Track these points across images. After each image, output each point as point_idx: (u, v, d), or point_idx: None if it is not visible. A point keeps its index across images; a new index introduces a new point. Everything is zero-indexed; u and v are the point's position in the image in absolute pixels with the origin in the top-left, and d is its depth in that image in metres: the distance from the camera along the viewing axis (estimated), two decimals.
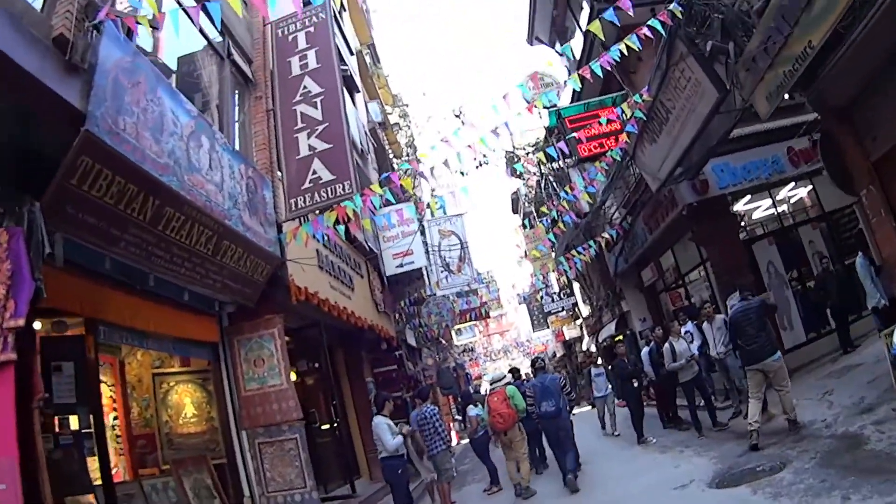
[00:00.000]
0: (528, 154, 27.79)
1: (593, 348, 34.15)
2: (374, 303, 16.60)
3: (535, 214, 35.28)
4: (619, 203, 19.78)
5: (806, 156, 14.45)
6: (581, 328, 38.00)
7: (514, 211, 42.54)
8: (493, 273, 39.55)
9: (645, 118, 12.85)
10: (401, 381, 17.85)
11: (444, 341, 34.96)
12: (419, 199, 23.45)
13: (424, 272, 21.48)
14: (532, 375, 14.04)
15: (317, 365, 13.66)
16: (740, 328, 9.91)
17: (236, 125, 11.57)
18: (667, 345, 12.10)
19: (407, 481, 10.36)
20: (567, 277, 28.37)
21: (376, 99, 26.31)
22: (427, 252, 21.87)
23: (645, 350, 14.59)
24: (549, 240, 27.20)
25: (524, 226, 36.48)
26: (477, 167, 26.22)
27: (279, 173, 11.21)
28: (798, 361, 13.51)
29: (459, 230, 23.67)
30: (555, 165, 26.07)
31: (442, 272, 22.77)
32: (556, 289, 36.34)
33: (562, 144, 15.00)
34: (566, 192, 16.90)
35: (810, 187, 15.60)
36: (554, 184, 27.19)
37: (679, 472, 9.51)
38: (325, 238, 12.32)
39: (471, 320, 30.24)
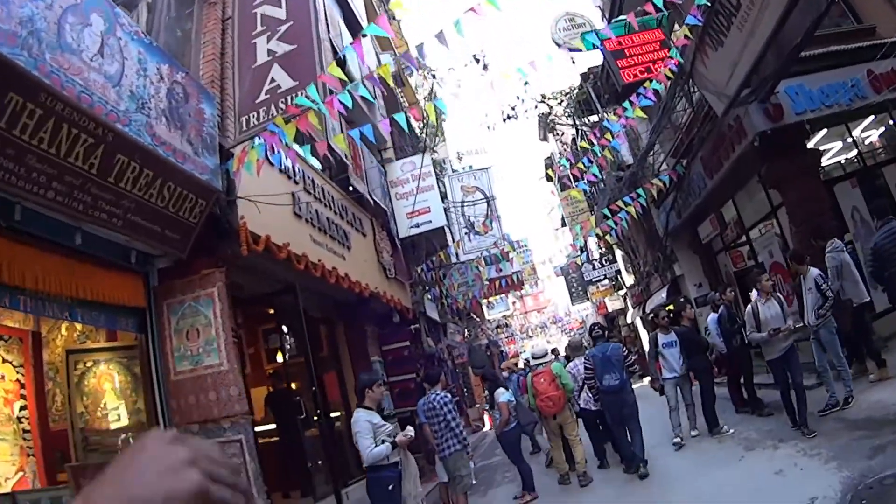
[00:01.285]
0: (560, 103, 24.84)
1: (637, 321, 31.45)
2: (382, 267, 14.09)
3: (570, 177, 32.63)
4: (667, 150, 17.03)
5: (889, 80, 12.17)
6: (624, 299, 35.35)
7: (549, 179, 39.49)
8: (526, 241, 36.32)
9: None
10: (416, 360, 15.20)
11: (474, 316, 32.37)
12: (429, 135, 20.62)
13: (447, 234, 18.89)
14: (570, 354, 12.32)
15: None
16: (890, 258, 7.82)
17: (178, 33, 9.15)
18: (749, 308, 9.10)
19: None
20: (609, 241, 25.46)
21: (389, 51, 23.58)
22: (447, 210, 19.17)
23: (712, 317, 12.13)
24: (589, 199, 24.35)
25: (561, 187, 33.57)
26: (505, 120, 23.65)
27: (233, 93, 8.62)
28: (892, 327, 11.23)
29: (485, 185, 20.88)
30: (591, 119, 23.51)
31: (465, 232, 19.91)
32: (597, 256, 33.48)
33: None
34: (608, 140, 14.14)
35: (892, 122, 13.38)
36: (590, 135, 24.58)
37: (788, 483, 6.69)
38: (304, 176, 9.86)
39: (502, 291, 26.97)
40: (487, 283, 22.92)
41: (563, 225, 38.81)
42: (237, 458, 6.83)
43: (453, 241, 19.04)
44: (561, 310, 68.30)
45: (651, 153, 17.72)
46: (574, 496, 9.69)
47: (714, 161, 14.23)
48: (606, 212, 16.81)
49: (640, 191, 15.80)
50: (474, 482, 9.65)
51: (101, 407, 7.81)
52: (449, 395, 9.02)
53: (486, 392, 11.10)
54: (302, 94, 7.32)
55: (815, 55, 12.11)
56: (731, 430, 10.18)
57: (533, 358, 11.22)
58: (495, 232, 20.38)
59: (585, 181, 15.75)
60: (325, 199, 11.20)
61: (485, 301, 32.24)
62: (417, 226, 16.47)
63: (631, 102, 12.43)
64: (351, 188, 13.03)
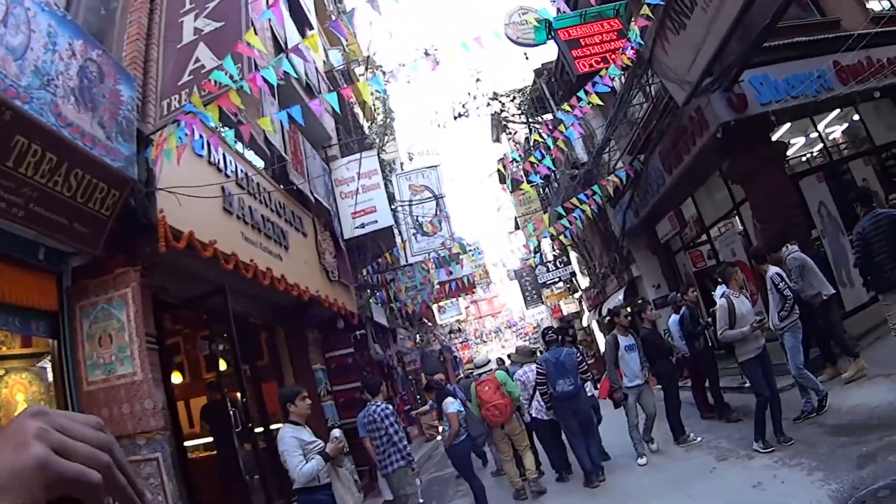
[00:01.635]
0: (513, 100, 24.38)
1: (594, 324, 31.12)
2: (324, 269, 13.46)
3: (523, 174, 32.17)
4: (624, 147, 16.67)
5: (855, 71, 12.01)
6: (580, 302, 34.99)
7: (502, 180, 38.96)
8: (478, 244, 35.69)
9: None
10: (362, 368, 14.61)
11: (426, 321, 31.78)
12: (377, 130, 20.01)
13: (395, 235, 18.33)
14: (511, 362, 12.25)
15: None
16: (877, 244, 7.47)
17: (102, 11, 8.44)
18: (723, 303, 8.49)
19: None
20: (564, 242, 24.98)
21: (338, 47, 22.98)
22: (395, 211, 18.56)
23: (674, 318, 11.73)
24: (542, 199, 23.96)
25: (513, 186, 33.17)
26: (456, 118, 23.09)
27: (156, 75, 7.97)
28: (863, 325, 10.90)
29: (434, 184, 20.27)
30: (545, 117, 23.14)
31: (413, 233, 19.27)
32: (551, 258, 33.06)
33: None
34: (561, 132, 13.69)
35: (857, 117, 13.46)
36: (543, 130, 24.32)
37: (769, 498, 6.15)
38: (236, 169, 9.29)
39: (453, 294, 26.24)
40: (437, 286, 22.37)
41: (517, 227, 38.45)
42: (154, 479, 6.19)
43: (400, 242, 18.41)
44: (515, 314, 67.88)
45: (607, 150, 17.31)
46: None
47: (673, 156, 13.86)
48: (561, 210, 16.33)
49: (595, 188, 15.38)
50: (421, 501, 9.09)
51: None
52: (391, 407, 8.41)
53: (433, 403, 10.44)
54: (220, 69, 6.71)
55: (779, 45, 11.94)
56: (699, 439, 9.72)
57: (475, 367, 10.86)
58: (444, 232, 19.74)
59: (538, 174, 15.19)
60: (259, 195, 10.59)
61: (436, 305, 31.70)
62: (363, 226, 15.85)
63: (586, 91, 12.00)
64: (291, 185, 12.38)
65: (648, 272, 19.37)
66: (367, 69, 24.36)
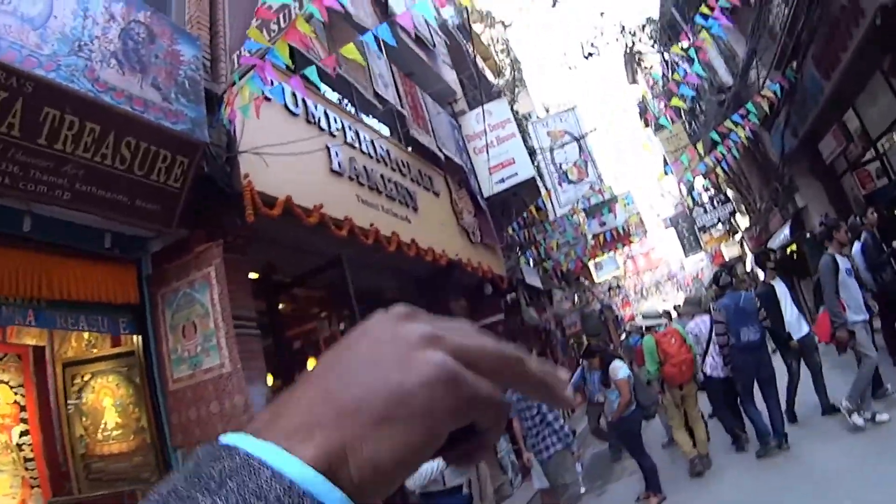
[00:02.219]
0: (643, 28, 22.41)
1: (757, 270, 28.82)
2: (464, 231, 12.37)
3: (666, 111, 30.18)
4: (770, 61, 14.62)
5: None
6: (742, 244, 32.60)
7: (645, 124, 36.70)
8: (630, 195, 33.53)
9: None
10: (515, 336, 13.40)
11: (583, 279, 30.28)
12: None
13: (540, 187, 16.99)
14: (679, 315, 10.89)
15: None
16: None
17: None
18: None
19: None
20: (719, 175, 22.88)
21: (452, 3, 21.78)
22: (536, 162, 17.14)
23: (856, 246, 9.38)
24: (690, 134, 22.05)
25: (656, 129, 31.04)
26: (586, 57, 21.43)
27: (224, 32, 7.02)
28: None
29: (573, 128, 18.59)
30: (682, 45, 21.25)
31: (558, 182, 17.74)
32: (706, 199, 30.86)
33: None
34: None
35: None
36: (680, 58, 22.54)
37: None
38: (344, 127, 8.21)
39: (609, 246, 24.22)
40: (592, 239, 20.75)
41: (667, 172, 36.25)
42: None
43: (545, 193, 16.91)
44: (674, 265, 65.11)
45: (753, 64, 15.28)
46: (712, 490, 7.68)
47: (829, 56, 11.89)
48: (715, 135, 14.52)
49: (749, 106, 13.48)
50: (583, 491, 7.81)
51: (102, 427, 6.49)
52: None
53: (597, 369, 8.99)
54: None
55: None
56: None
57: (645, 318, 9.66)
58: (591, 177, 18.10)
59: (688, 85, 13.24)
60: (376, 153, 9.56)
61: (592, 262, 30.04)
62: (503, 181, 14.59)
63: None
64: (411, 143, 11.36)
65: (814, 201, 17.22)
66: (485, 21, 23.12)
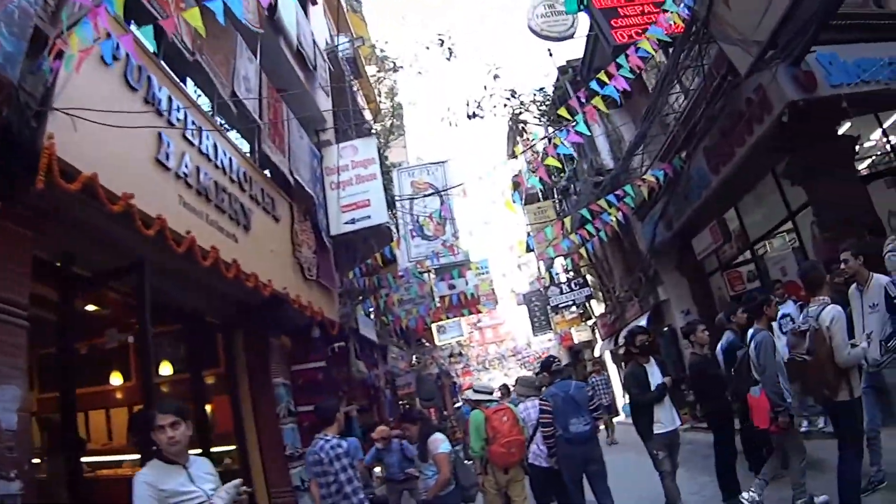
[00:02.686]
0: (533, 100, 22.40)
1: (607, 355, 29.10)
2: (299, 265, 11.44)
3: (539, 192, 30.28)
4: (660, 147, 14.69)
5: None
6: (593, 330, 32.82)
7: (515, 187, 36.70)
8: (487, 263, 33.36)
9: None
10: (337, 387, 12.60)
11: (424, 341, 29.74)
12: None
13: (394, 236, 16.33)
14: (532, 387, 9.50)
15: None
16: None
17: None
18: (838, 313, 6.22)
19: None
20: (582, 256, 22.85)
21: (346, 33, 21.19)
22: (395, 210, 16.50)
23: (724, 341, 9.09)
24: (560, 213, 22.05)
25: (526, 202, 31.09)
26: (470, 117, 21.07)
27: None
28: None
29: (440, 182, 18.14)
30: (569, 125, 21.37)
31: (413, 236, 17.10)
32: (564, 279, 31.04)
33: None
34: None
35: None
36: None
37: None
38: (186, 118, 7.41)
39: (454, 310, 23.27)
40: (438, 300, 20.14)
41: (529, 249, 36.42)
42: None
43: (396, 241, 16.20)
44: (521, 341, 65.65)
45: (640, 148, 15.29)
46: None
47: (723, 150, 11.95)
48: (586, 213, 14.34)
49: (628, 188, 13.38)
50: None
51: None
52: (345, 444, 6.21)
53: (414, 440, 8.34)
54: None
55: (848, 24, 10.45)
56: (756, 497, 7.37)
57: (475, 392, 9.14)
58: (448, 236, 17.61)
59: (568, 147, 12.86)
60: (216, 157, 8.60)
61: (435, 324, 29.56)
62: (353, 221, 13.81)
63: (626, 56, 10.14)
64: (260, 158, 10.55)
65: (677, 296, 17.49)
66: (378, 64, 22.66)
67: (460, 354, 43.12)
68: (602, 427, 15.75)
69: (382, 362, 18.16)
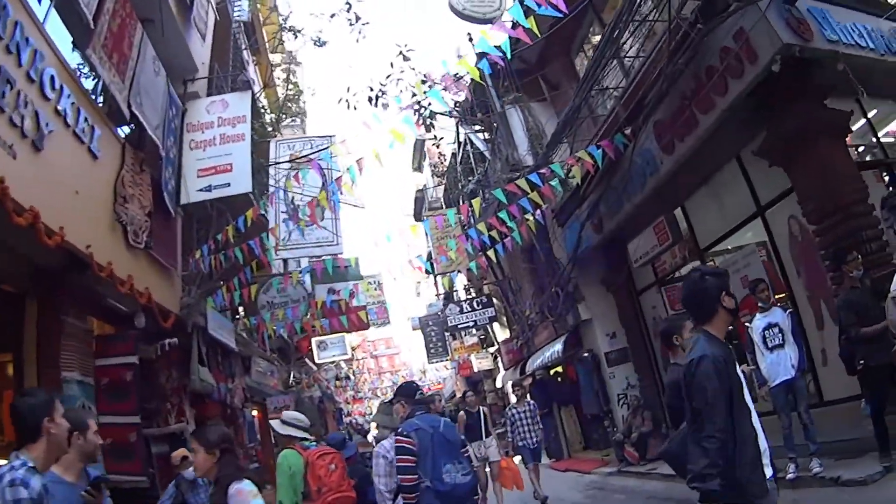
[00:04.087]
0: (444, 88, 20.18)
1: (509, 387, 26.95)
2: (121, 225, 8.97)
3: (442, 204, 28.29)
4: (594, 135, 12.71)
5: None
6: (495, 358, 30.99)
7: (418, 216, 34.43)
8: (379, 279, 30.62)
9: None
10: (157, 395, 10.06)
11: (308, 361, 27.13)
12: None
13: (273, 223, 14.17)
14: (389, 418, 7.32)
15: None
16: None
17: None
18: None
19: None
20: (486, 277, 20.77)
21: None
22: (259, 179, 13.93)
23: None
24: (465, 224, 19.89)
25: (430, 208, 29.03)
26: (372, 100, 18.62)
27: None
28: None
29: (326, 163, 15.29)
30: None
31: (285, 220, 14.30)
32: (464, 296, 29.32)
33: None
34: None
35: None
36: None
37: None
38: None
39: (333, 315, 19.96)
40: (319, 308, 17.36)
41: (429, 272, 34.27)
42: None
43: (268, 229, 13.43)
44: (416, 369, 63.50)
45: (567, 133, 13.18)
46: None
47: (682, 122, 10.03)
48: (505, 216, 12.13)
49: (555, 167, 11.17)
50: None
51: None
52: (33, 482, 3.65)
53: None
54: None
55: None
56: None
57: (284, 425, 7.32)
58: (329, 227, 14.90)
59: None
60: (3, 31, 6.30)
61: (315, 339, 26.89)
62: (209, 188, 11.57)
63: None
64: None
65: (602, 315, 15.75)
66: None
67: (347, 378, 40.50)
68: (531, 478, 13.21)
69: (244, 375, 15.44)
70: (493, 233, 12.61)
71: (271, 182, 14.64)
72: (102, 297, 8.70)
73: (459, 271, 20.08)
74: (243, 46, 17.01)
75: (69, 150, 7.71)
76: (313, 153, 14.27)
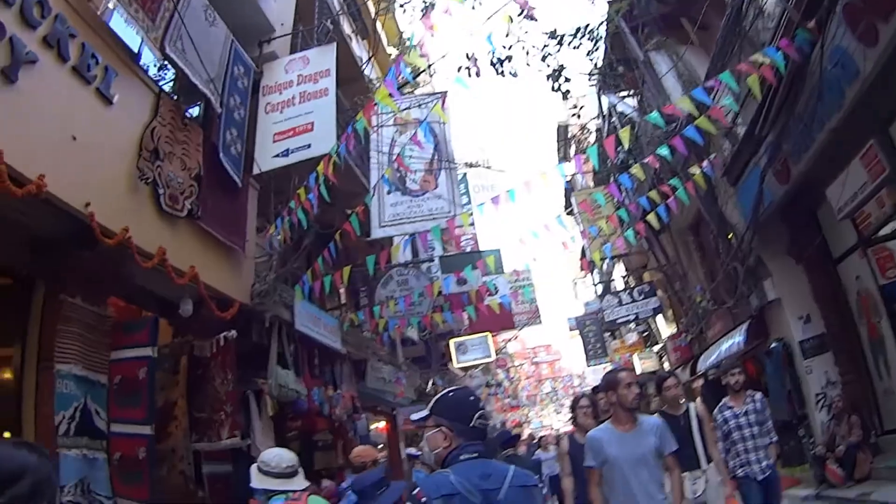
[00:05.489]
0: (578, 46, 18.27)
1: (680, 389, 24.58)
2: (145, 181, 7.51)
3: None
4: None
5: None
6: (660, 358, 28.49)
7: (568, 206, 32.34)
8: (529, 276, 28.67)
9: None
10: (207, 402, 8.55)
11: (449, 367, 25.80)
12: None
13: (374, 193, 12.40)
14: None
15: None
16: None
17: None
18: None
19: None
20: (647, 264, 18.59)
21: None
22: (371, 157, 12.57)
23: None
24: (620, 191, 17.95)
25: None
26: (495, 65, 16.83)
27: None
28: None
29: (439, 131, 13.78)
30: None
31: (389, 188, 12.50)
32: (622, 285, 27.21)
33: None
34: None
35: None
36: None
37: None
38: None
39: (473, 321, 17.41)
40: (443, 299, 15.53)
41: (586, 266, 32.38)
42: None
43: (371, 197, 11.65)
44: (575, 374, 61.73)
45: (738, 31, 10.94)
46: None
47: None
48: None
49: (724, 77, 8.91)
50: None
51: None
52: None
53: None
54: None
55: None
56: None
57: (263, 474, 5.29)
58: (443, 192, 12.88)
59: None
60: None
61: (453, 341, 25.43)
62: (287, 153, 10.32)
63: None
64: None
65: (792, 295, 13.04)
66: None
67: (498, 385, 38.66)
68: None
69: (356, 381, 13.86)
70: (653, 194, 10.92)
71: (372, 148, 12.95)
72: (130, 277, 7.32)
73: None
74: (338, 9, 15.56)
75: (64, 87, 6.46)
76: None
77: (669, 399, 7.70)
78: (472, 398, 3.73)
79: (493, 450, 3.51)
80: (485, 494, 3.24)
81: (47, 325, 6.79)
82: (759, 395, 8.37)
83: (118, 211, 6.82)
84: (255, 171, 10.27)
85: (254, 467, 5.29)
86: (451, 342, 26.44)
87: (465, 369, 29.39)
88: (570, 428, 8.58)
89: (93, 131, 6.72)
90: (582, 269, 32.23)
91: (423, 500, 3.17)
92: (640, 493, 5.37)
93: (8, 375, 6.95)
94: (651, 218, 11.52)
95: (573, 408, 7.54)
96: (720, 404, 8.34)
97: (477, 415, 3.56)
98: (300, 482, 5.36)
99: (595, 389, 8.27)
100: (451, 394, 3.74)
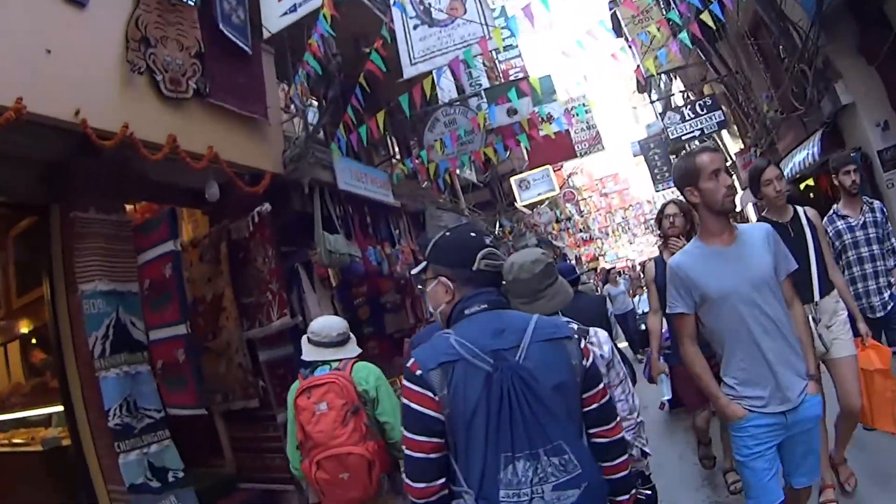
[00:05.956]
0: None
1: (750, 209, 24.12)
2: (138, 72, 6.95)
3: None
4: None
5: None
6: (729, 176, 27.04)
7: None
8: (583, 98, 27.66)
9: None
10: (253, 285, 8.34)
11: (517, 206, 25.78)
12: None
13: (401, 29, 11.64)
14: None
15: None
16: None
17: None
18: None
19: None
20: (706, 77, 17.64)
21: None
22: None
23: None
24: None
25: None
26: None
27: None
28: None
29: None
30: None
31: (416, 23, 11.68)
32: (682, 101, 25.98)
33: None
34: None
35: None
36: None
37: None
38: None
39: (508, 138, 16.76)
40: (492, 131, 14.90)
41: (641, 88, 31.26)
42: None
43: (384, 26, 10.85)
44: (646, 201, 60.98)
45: None
46: None
47: None
48: None
49: None
50: None
51: None
52: None
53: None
54: None
55: None
56: None
57: (313, 345, 5.18)
58: (473, 15, 11.84)
59: None
60: None
61: (515, 178, 25.08)
62: (294, 8, 9.51)
63: None
64: None
65: (866, 98, 12.06)
66: None
67: (568, 219, 38.24)
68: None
69: (416, 233, 13.47)
70: None
71: None
72: (145, 175, 7.11)
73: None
74: None
75: (28, 2, 5.91)
76: None
77: (772, 198, 5.46)
78: (472, 234, 3.09)
79: (507, 298, 2.90)
80: (497, 356, 2.69)
81: (66, 248, 6.66)
82: (877, 204, 6.58)
83: (115, 110, 6.43)
84: (266, 35, 9.68)
85: (304, 339, 5.19)
86: (512, 180, 26.12)
87: (530, 207, 29.39)
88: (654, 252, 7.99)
89: (69, 39, 6.23)
90: (639, 84, 31.18)
91: (418, 372, 2.75)
92: (770, 352, 3.74)
93: (46, 311, 6.89)
94: (705, 17, 10.72)
95: (658, 220, 6.48)
96: (830, 212, 6.54)
97: (481, 255, 2.94)
98: (353, 349, 5.30)
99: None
100: (447, 233, 3.13)
